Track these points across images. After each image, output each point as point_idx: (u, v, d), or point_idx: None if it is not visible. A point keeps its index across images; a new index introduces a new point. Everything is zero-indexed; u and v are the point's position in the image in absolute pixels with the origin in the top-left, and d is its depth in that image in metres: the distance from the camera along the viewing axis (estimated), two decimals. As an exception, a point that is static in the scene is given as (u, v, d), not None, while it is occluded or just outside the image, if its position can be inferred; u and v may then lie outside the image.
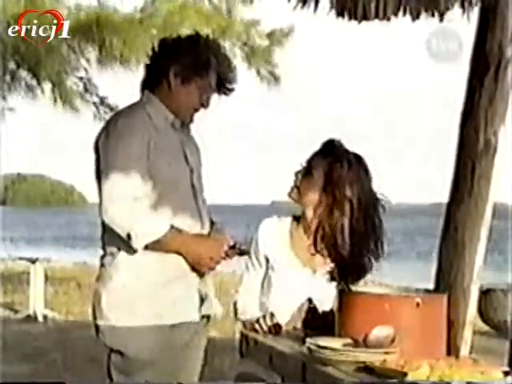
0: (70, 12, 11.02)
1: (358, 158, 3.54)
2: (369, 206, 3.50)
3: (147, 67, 3.51)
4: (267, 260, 3.60)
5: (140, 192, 3.25)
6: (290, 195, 3.57)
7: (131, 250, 3.27)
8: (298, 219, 3.64)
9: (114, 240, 3.30)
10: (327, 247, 3.54)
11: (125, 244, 3.26)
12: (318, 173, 3.49)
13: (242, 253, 3.44)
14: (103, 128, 3.37)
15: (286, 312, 3.40)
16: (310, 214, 3.54)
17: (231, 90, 3.52)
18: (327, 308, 3.36)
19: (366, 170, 3.54)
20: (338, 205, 3.46)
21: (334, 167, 3.47)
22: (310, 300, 3.38)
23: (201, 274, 3.39)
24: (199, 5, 11.08)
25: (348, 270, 3.52)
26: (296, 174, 3.54)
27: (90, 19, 11.00)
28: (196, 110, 3.46)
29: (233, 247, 3.39)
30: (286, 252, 3.58)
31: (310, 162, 3.52)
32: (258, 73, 11.74)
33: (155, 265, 3.31)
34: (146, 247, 3.26)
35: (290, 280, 3.55)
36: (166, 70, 3.38)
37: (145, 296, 3.30)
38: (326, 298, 3.40)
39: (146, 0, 11.28)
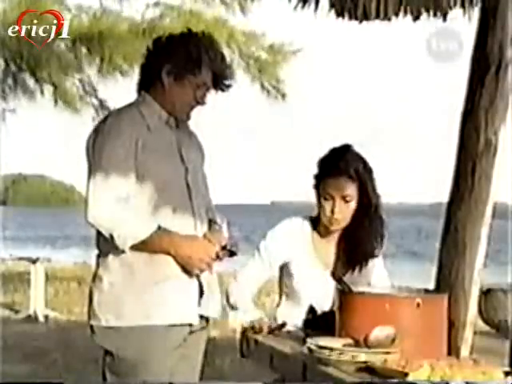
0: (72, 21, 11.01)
1: (355, 152, 3.58)
2: (377, 197, 3.59)
3: (142, 67, 3.50)
4: (284, 262, 3.60)
5: (125, 193, 3.23)
6: (332, 228, 3.59)
7: (119, 251, 3.25)
8: (313, 220, 3.65)
9: (105, 240, 3.28)
10: (353, 251, 3.60)
11: (113, 244, 3.25)
12: (352, 192, 3.54)
13: (231, 254, 3.40)
14: (94, 129, 3.36)
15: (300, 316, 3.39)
16: (342, 226, 3.59)
17: (228, 86, 3.48)
18: None
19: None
20: (368, 212, 3.57)
21: (362, 177, 3.54)
22: (332, 311, 3.33)
23: (193, 275, 3.35)
24: (202, 14, 11.09)
25: (360, 263, 3.59)
26: (332, 207, 3.54)
27: (93, 32, 10.99)
28: (192, 108, 3.43)
29: (224, 248, 3.36)
30: (310, 257, 3.60)
31: (341, 188, 3.53)
32: (262, 86, 11.76)
33: (144, 265, 3.28)
34: (134, 248, 3.24)
35: (315, 286, 3.57)
36: (159, 69, 3.36)
37: (133, 296, 3.28)
38: None
39: (147, 5, 11.27)
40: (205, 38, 3.45)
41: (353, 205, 3.55)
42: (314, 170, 3.62)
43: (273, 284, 3.92)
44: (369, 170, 3.58)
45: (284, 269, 3.63)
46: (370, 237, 3.59)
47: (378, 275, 3.69)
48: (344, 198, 3.53)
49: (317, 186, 3.59)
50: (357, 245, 3.59)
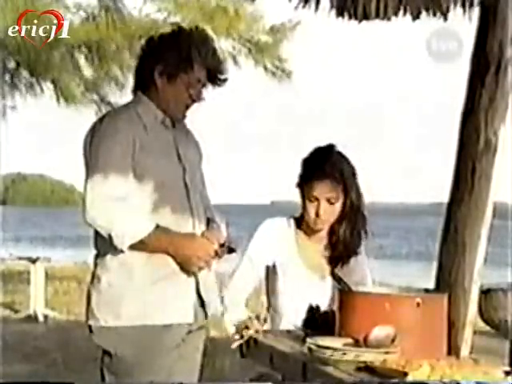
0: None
1: (339, 152, 3.58)
2: (360, 196, 3.62)
3: (136, 69, 3.49)
4: (270, 263, 3.61)
5: (122, 192, 3.22)
6: (317, 228, 3.60)
7: (118, 251, 3.25)
8: (296, 220, 3.65)
9: (103, 240, 3.28)
10: (335, 249, 3.62)
11: (112, 244, 3.24)
12: (337, 195, 3.55)
13: (230, 251, 3.40)
14: (90, 129, 3.35)
15: (296, 318, 3.38)
16: (326, 227, 3.61)
17: (223, 81, 3.46)
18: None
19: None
20: (351, 211, 3.58)
21: (347, 179, 3.56)
22: (317, 307, 3.35)
23: (191, 274, 3.35)
24: (202, 3, 11.05)
25: (342, 261, 3.62)
26: (317, 209, 3.55)
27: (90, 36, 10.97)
28: (188, 106, 3.42)
29: (222, 246, 3.36)
30: (294, 257, 3.61)
31: (326, 191, 3.53)
32: (265, 68, 11.69)
33: (142, 265, 3.28)
34: (133, 247, 3.24)
35: (299, 286, 3.57)
36: (152, 70, 3.36)
37: (132, 296, 3.28)
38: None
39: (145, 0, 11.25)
40: (196, 34, 3.43)
41: (338, 206, 3.56)
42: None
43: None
44: (352, 170, 3.59)
45: (269, 269, 3.64)
46: (352, 235, 3.61)
47: (362, 274, 3.70)
48: (329, 200, 3.54)
49: (301, 186, 3.58)
50: (340, 243, 3.61)
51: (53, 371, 7.30)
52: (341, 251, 3.62)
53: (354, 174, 3.59)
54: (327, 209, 3.55)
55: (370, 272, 3.76)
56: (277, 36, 11.44)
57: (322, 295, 3.52)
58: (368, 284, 3.63)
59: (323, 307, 3.36)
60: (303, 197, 3.58)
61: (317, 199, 3.54)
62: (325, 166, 3.52)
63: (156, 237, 3.25)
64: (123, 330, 3.27)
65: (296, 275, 3.59)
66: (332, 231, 3.62)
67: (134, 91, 3.46)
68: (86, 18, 11.13)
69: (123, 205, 3.23)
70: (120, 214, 3.23)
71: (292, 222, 3.65)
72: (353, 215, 3.59)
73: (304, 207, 3.59)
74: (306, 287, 3.57)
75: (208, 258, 3.32)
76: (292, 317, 3.44)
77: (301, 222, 3.64)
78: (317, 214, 3.55)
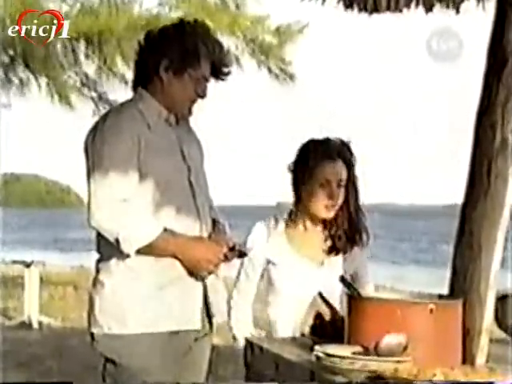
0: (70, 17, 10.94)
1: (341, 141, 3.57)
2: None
3: (136, 63, 3.41)
4: (267, 262, 3.57)
5: (128, 194, 3.17)
6: (327, 216, 3.54)
7: (124, 255, 3.20)
8: (289, 215, 3.60)
9: (106, 244, 3.22)
10: (343, 235, 3.56)
11: (117, 248, 3.18)
12: (345, 177, 3.52)
13: (241, 255, 3.37)
14: (92, 128, 3.29)
15: (295, 312, 3.37)
16: (331, 214, 3.55)
17: (227, 74, 3.41)
18: (337, 300, 3.38)
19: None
20: (352, 200, 3.54)
21: (352, 163, 3.54)
22: (320, 294, 3.32)
23: (199, 278, 3.31)
24: (204, 1, 11.01)
25: (343, 251, 3.58)
26: (330, 193, 3.50)
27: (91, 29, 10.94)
28: (193, 102, 3.36)
29: (232, 249, 3.32)
30: (288, 254, 3.55)
31: (338, 172, 3.49)
32: (270, 70, 11.65)
33: (149, 270, 3.24)
34: (139, 251, 3.18)
35: (296, 277, 3.52)
36: (156, 66, 3.29)
37: (138, 303, 3.23)
38: (335, 289, 3.37)
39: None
40: (199, 27, 3.37)
41: (343, 191, 3.52)
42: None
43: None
44: (355, 157, 3.57)
45: (266, 268, 3.59)
46: (352, 224, 3.56)
47: (362, 266, 3.67)
48: (339, 183, 3.51)
49: (309, 173, 3.50)
50: (341, 232, 3.56)
51: (47, 379, 7.23)
52: (341, 241, 3.56)
53: (355, 161, 3.57)
54: (338, 192, 3.51)
55: (379, 275, 3.73)
56: (282, 37, 11.38)
57: (322, 282, 3.46)
58: (368, 279, 3.64)
59: (324, 293, 3.34)
60: (300, 186, 3.52)
61: (328, 182, 3.49)
62: (333, 147, 3.50)
63: (164, 240, 3.20)
64: (129, 337, 3.22)
65: (292, 269, 3.55)
66: (332, 221, 3.55)
67: (135, 87, 3.39)
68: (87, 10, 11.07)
69: (130, 207, 3.18)
70: (127, 216, 3.18)
71: (280, 220, 3.58)
72: (353, 206, 3.55)
73: (298, 200, 3.53)
74: (304, 279, 3.51)
75: (217, 262, 3.28)
76: (293, 313, 3.41)
77: (294, 216, 3.57)
78: (331, 197, 3.49)
